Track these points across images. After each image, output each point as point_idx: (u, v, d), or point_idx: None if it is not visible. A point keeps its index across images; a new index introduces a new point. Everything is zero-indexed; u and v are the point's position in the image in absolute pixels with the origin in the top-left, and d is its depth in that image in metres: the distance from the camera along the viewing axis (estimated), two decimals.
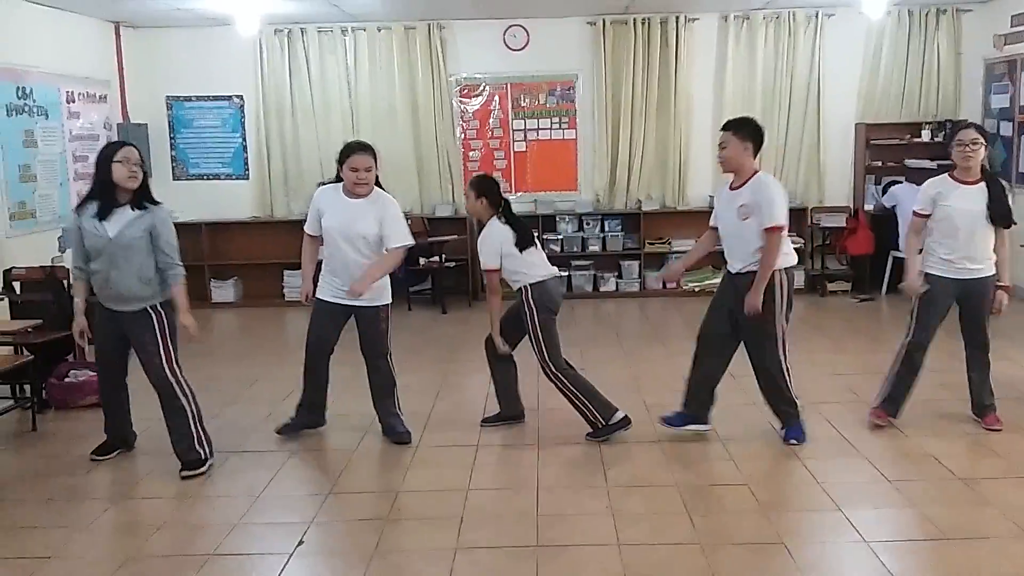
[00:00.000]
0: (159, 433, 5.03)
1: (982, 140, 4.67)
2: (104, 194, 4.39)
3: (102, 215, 4.36)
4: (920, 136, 8.94)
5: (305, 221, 4.91)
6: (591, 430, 4.84)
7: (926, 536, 3.64)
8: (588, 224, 9.36)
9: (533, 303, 4.81)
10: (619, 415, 4.80)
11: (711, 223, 4.83)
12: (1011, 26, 8.35)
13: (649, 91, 9.16)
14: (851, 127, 9.27)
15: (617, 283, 9.35)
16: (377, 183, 4.82)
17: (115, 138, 8.64)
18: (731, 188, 4.62)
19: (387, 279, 4.87)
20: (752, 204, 4.48)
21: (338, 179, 4.79)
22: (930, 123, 8.98)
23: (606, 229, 9.37)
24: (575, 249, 9.32)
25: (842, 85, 9.14)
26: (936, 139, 8.91)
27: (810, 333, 7.36)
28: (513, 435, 4.97)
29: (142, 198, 4.44)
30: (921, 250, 4.87)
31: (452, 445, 4.85)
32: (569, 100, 9.41)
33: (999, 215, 4.67)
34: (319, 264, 4.91)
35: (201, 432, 4.58)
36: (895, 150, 8.97)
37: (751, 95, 9.17)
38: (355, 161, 4.67)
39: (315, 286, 4.89)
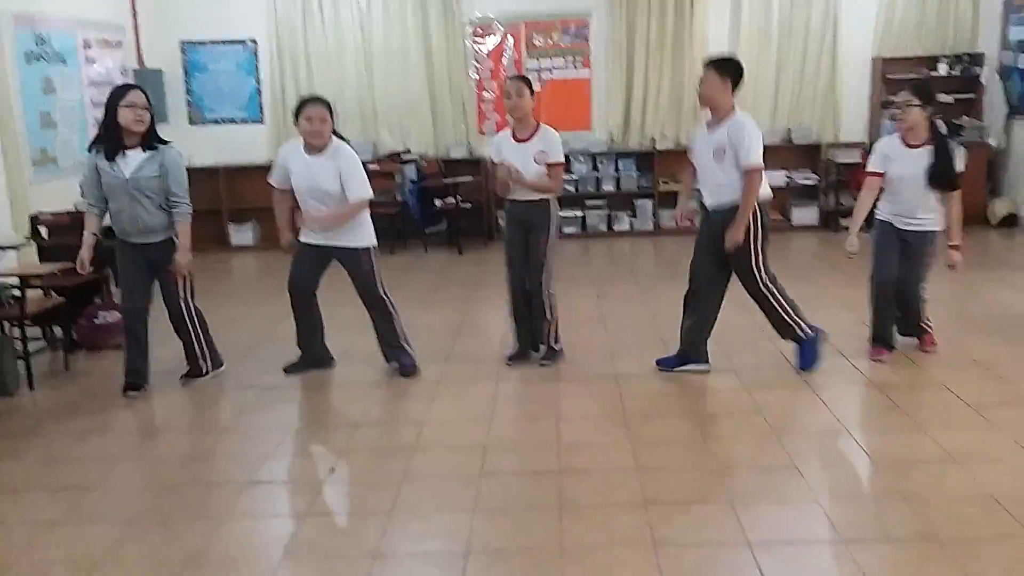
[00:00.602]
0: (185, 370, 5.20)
1: (915, 100, 4.68)
2: (112, 137, 4.65)
3: (110, 156, 4.64)
4: (937, 70, 8.88)
5: None
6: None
7: (934, 458, 3.76)
8: (602, 163, 9.39)
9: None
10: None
11: (689, 156, 4.91)
12: None
13: (664, 29, 9.10)
14: (867, 62, 9.21)
15: (631, 222, 9.40)
16: (337, 135, 4.91)
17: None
18: (707, 127, 4.67)
19: (368, 223, 5.00)
20: (728, 144, 4.55)
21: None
22: (947, 56, 8.91)
23: (620, 168, 9.39)
24: (589, 188, 9.36)
25: (859, 19, 9.06)
26: (953, 72, 8.85)
27: (825, 269, 7.44)
28: (533, 370, 5.11)
29: (151, 139, 4.70)
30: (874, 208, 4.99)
31: (473, 379, 5.00)
32: (583, 39, 9.36)
33: (937, 179, 4.71)
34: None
35: (204, 349, 5.08)
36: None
37: (767, 31, 9.10)
38: (308, 111, 4.76)
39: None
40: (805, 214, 9.27)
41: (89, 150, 4.76)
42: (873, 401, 4.50)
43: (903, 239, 4.91)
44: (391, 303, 5.10)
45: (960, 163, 4.81)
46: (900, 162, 4.78)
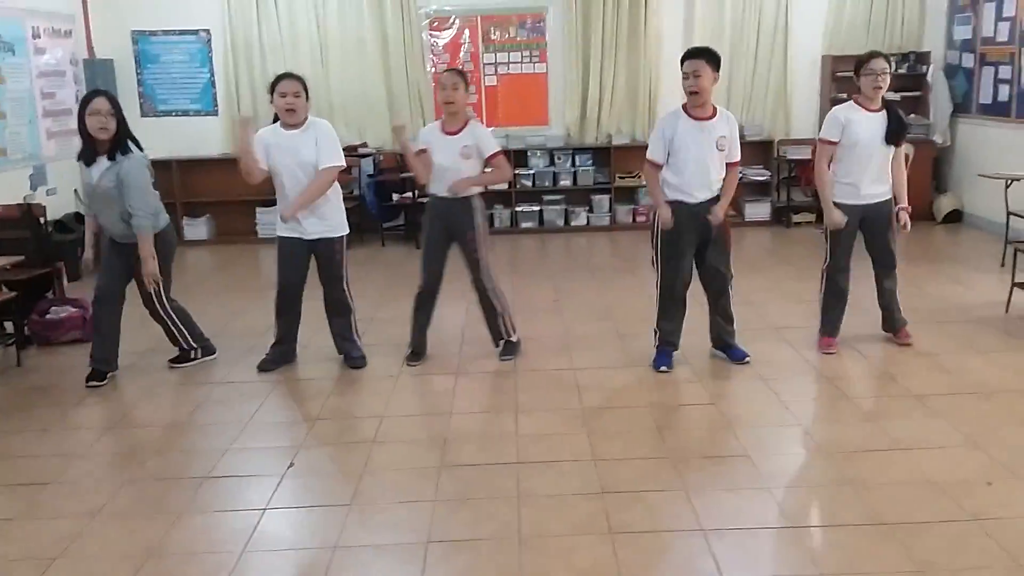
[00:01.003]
0: (144, 367, 5.20)
1: (890, 70, 4.87)
2: (85, 143, 4.75)
3: (87, 162, 4.76)
4: None
5: None
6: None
7: (880, 447, 3.88)
8: (559, 159, 9.46)
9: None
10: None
11: (657, 159, 4.73)
12: None
13: (619, 25, 9.19)
14: (817, 60, 9.39)
15: (588, 217, 9.48)
16: None
17: (81, 74, 8.57)
18: (698, 119, 4.67)
19: (343, 210, 5.01)
20: (729, 137, 4.66)
21: (276, 119, 4.89)
22: (894, 55, 9.08)
23: (577, 163, 9.47)
24: (546, 184, 9.42)
25: (809, 17, 9.23)
26: (900, 71, 9.05)
27: (776, 263, 7.59)
28: (492, 363, 5.15)
29: (114, 148, 4.71)
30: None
31: (433, 373, 5.04)
32: (540, 33, 9.42)
33: (895, 133, 4.87)
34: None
35: (188, 339, 5.21)
36: None
37: (720, 29, 9.23)
38: (283, 86, 4.77)
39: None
40: (758, 209, 9.43)
41: (78, 159, 4.84)
42: (823, 392, 4.62)
43: (863, 215, 4.98)
44: (351, 295, 5.12)
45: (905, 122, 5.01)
46: (862, 125, 4.86)
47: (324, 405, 4.63)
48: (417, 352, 5.20)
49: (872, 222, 5.02)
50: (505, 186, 9.23)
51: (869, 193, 4.95)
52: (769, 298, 6.12)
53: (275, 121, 4.89)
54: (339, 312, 5.12)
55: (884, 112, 4.90)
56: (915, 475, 3.59)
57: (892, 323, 5.26)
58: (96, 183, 4.73)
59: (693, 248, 4.80)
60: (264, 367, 5.14)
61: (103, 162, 4.72)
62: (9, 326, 5.65)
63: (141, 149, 4.83)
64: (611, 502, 3.44)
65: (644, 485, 3.60)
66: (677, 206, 4.69)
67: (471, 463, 3.85)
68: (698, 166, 4.68)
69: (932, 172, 9.12)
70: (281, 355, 5.19)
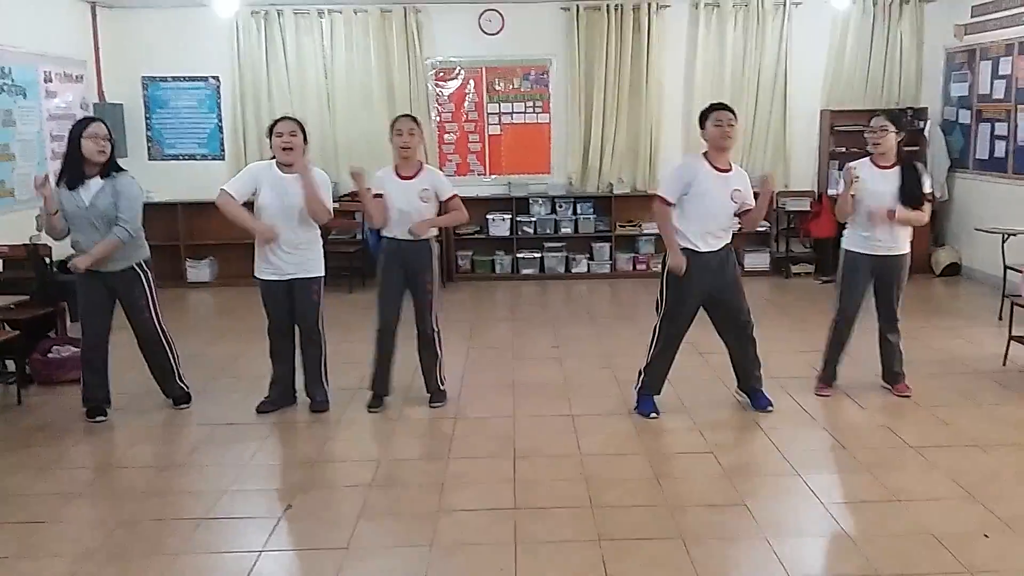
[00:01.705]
0: (143, 408, 5.21)
1: (891, 127, 4.94)
2: (73, 167, 4.79)
3: (72, 185, 4.78)
4: None
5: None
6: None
7: (878, 498, 3.88)
8: (561, 207, 9.55)
9: None
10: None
11: (670, 198, 4.75)
12: (971, 16, 8.63)
13: (621, 76, 9.34)
14: (816, 113, 9.53)
15: (589, 264, 9.55)
16: None
17: None
18: (719, 170, 4.74)
19: (321, 254, 5.08)
20: (744, 191, 4.78)
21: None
22: (891, 110, 9.24)
23: (578, 212, 9.56)
24: (548, 231, 9.50)
25: (808, 72, 9.39)
26: None
27: (774, 313, 7.63)
28: (491, 408, 5.16)
29: (110, 169, 4.84)
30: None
31: (431, 417, 5.04)
32: (543, 84, 9.57)
33: (909, 198, 4.94)
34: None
35: (178, 370, 5.25)
36: (858, 136, 9.04)
37: (720, 82, 9.38)
38: (280, 127, 4.88)
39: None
40: (757, 260, 9.49)
41: (57, 184, 4.83)
42: (820, 442, 4.62)
43: (876, 266, 5.04)
44: (324, 337, 5.17)
45: (927, 184, 5.02)
46: (873, 182, 4.95)
47: (322, 448, 4.63)
48: (380, 395, 5.19)
49: (883, 274, 5.07)
50: (507, 232, 9.35)
51: (883, 245, 5.01)
52: (768, 348, 6.09)
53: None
54: (311, 355, 5.16)
55: (898, 169, 4.97)
56: (912, 527, 3.59)
57: (891, 376, 5.28)
58: (91, 203, 4.77)
59: (700, 298, 4.83)
60: (263, 408, 5.15)
61: (95, 183, 4.79)
62: (11, 364, 5.67)
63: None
64: (608, 550, 3.43)
65: (642, 533, 3.59)
66: (688, 254, 4.73)
67: (468, 508, 3.85)
68: (713, 214, 4.74)
69: (930, 226, 9.17)
70: (279, 395, 5.21)
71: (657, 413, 4.94)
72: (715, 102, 4.95)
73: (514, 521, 3.69)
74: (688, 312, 4.86)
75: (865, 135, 5.06)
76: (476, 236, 9.53)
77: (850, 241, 5.13)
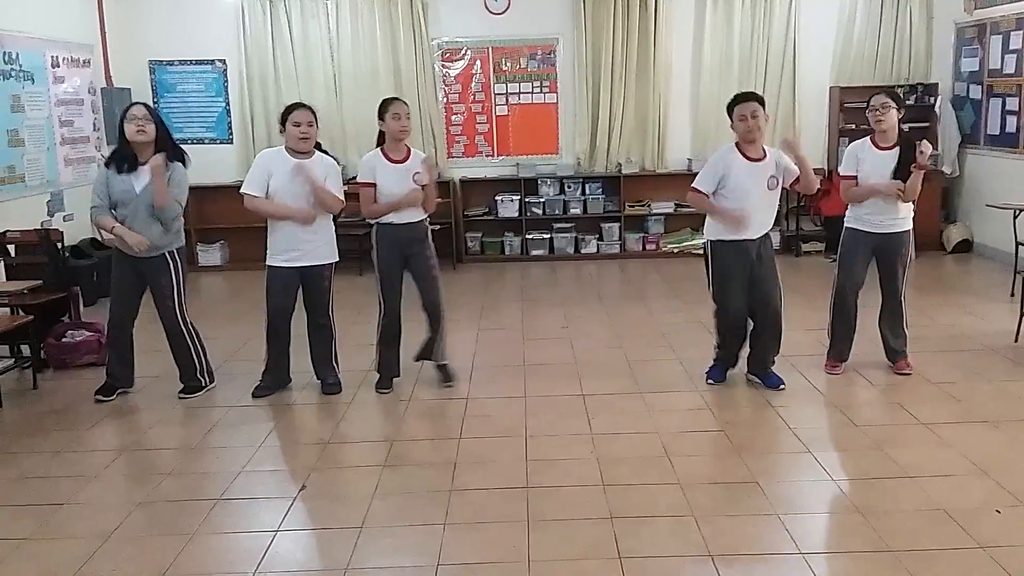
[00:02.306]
0: (158, 391, 5.25)
1: (893, 104, 4.92)
2: (122, 151, 4.88)
3: (122, 169, 4.87)
4: None
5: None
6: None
7: (889, 474, 3.89)
8: (569, 187, 9.53)
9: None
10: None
11: (706, 190, 4.80)
12: None
13: (628, 55, 9.30)
14: (825, 91, 9.47)
15: (598, 245, 9.54)
16: (320, 148, 5.04)
17: (99, 103, 8.72)
18: (752, 159, 4.75)
19: (334, 241, 5.09)
20: (779, 170, 4.79)
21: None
22: (902, 86, 9.18)
23: (587, 192, 9.54)
24: (556, 212, 9.49)
25: (817, 50, 9.32)
26: (908, 102, 9.11)
27: (785, 292, 7.57)
28: (502, 388, 5.19)
29: (172, 155, 4.91)
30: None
31: (443, 398, 5.07)
32: (550, 64, 9.53)
33: (901, 175, 4.92)
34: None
35: (204, 364, 5.26)
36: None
37: (728, 60, 9.34)
38: (297, 116, 4.88)
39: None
40: None
41: (106, 165, 4.94)
42: (831, 420, 4.63)
43: (877, 244, 5.04)
44: (334, 322, 5.20)
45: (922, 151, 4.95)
46: (871, 163, 4.95)
47: (335, 429, 4.67)
48: (389, 377, 5.22)
49: (885, 251, 5.07)
50: (515, 213, 9.35)
51: (885, 223, 5.00)
52: None
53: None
54: (321, 338, 5.19)
55: (897, 150, 4.95)
56: (924, 503, 3.60)
57: (891, 353, 5.29)
58: (143, 190, 4.83)
59: (745, 280, 4.87)
60: (258, 393, 5.18)
61: (147, 170, 4.83)
62: (26, 349, 5.72)
63: (186, 166, 5.02)
64: (620, 527, 3.45)
65: (653, 511, 3.61)
66: (729, 244, 4.79)
67: (481, 487, 3.88)
68: (752, 207, 4.74)
69: (941, 202, 9.15)
70: (273, 381, 5.23)
71: (715, 381, 5.09)
72: (740, 92, 4.94)
73: (526, 500, 3.72)
74: (737, 296, 4.89)
75: (867, 114, 5.02)
76: (485, 218, 9.53)
77: (852, 219, 5.13)
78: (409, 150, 5.03)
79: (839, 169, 5.17)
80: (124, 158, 4.86)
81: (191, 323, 5.16)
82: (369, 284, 7.21)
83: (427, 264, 5.08)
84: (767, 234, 4.89)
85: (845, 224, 5.18)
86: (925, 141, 4.94)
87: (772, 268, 4.91)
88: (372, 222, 5.06)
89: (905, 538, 3.31)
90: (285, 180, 4.89)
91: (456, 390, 5.16)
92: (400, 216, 4.97)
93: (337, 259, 5.12)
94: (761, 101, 4.78)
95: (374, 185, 4.94)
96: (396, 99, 5.09)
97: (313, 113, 4.93)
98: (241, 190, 4.96)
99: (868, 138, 5.07)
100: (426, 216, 5.11)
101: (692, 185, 4.87)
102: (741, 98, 4.80)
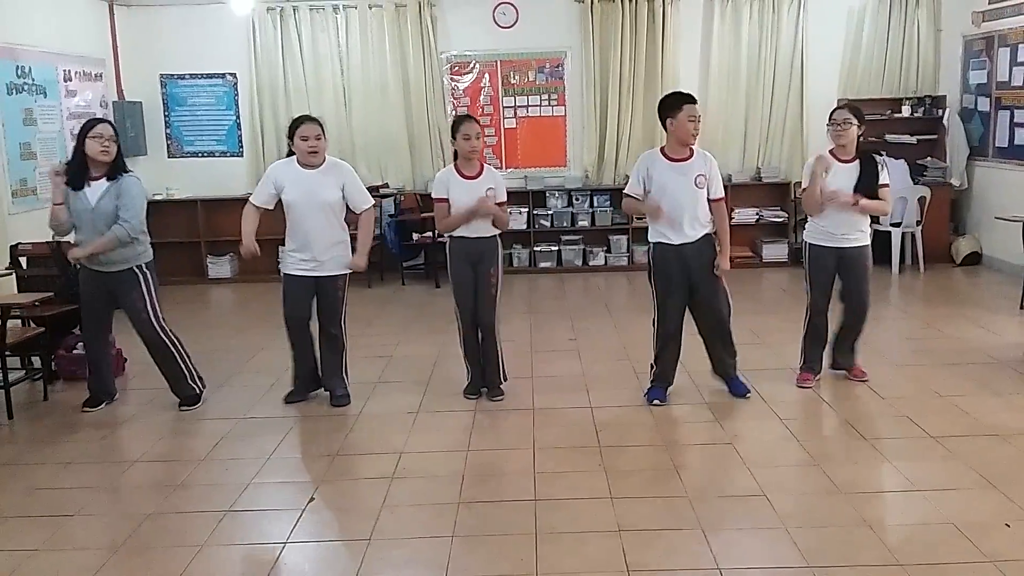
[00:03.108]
0: (166, 403, 5.27)
1: (853, 120, 4.97)
2: (79, 166, 4.87)
3: (76, 185, 4.84)
4: (900, 111, 9.16)
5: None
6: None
7: (898, 488, 3.89)
8: (577, 199, 9.56)
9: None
10: None
11: (633, 193, 4.93)
12: (988, 3, 8.55)
13: (636, 68, 9.34)
14: (833, 103, 9.41)
15: (606, 257, 9.56)
16: None
17: (111, 116, 8.77)
18: (676, 160, 4.81)
19: (349, 252, 5.12)
20: (709, 175, 4.85)
21: (290, 154, 5.04)
22: (910, 99, 9.20)
23: (595, 204, 9.57)
24: (565, 224, 9.52)
25: (824, 62, 9.34)
26: (916, 114, 9.13)
27: (792, 303, 7.57)
28: (509, 400, 5.19)
29: (115, 170, 4.90)
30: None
31: (450, 410, 5.08)
32: (558, 77, 9.57)
33: (865, 191, 4.95)
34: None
35: (192, 370, 5.21)
36: (876, 125, 9.14)
37: (736, 72, 9.37)
38: (304, 130, 4.92)
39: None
40: (775, 250, 9.46)
41: (66, 183, 4.91)
42: (840, 432, 4.62)
43: (840, 257, 5.07)
44: (345, 333, 5.22)
45: (884, 175, 5.03)
46: (834, 177, 4.98)
47: (344, 441, 4.68)
48: (476, 384, 5.26)
49: (848, 266, 5.10)
50: (524, 225, 9.37)
51: (845, 236, 5.04)
52: (785, 338, 6.11)
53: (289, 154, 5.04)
54: (333, 349, 5.20)
55: (857, 163, 5.01)
56: (932, 516, 3.59)
57: (846, 360, 5.32)
58: (96, 205, 4.84)
59: (684, 287, 4.89)
60: (290, 399, 5.23)
61: (101, 184, 4.87)
62: (36, 361, 5.76)
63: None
64: (628, 540, 3.45)
65: (661, 524, 3.61)
66: (663, 247, 4.85)
67: (489, 500, 3.88)
68: (678, 206, 4.78)
69: (950, 214, 9.13)
70: (303, 385, 5.27)
71: (660, 401, 5.01)
72: (681, 92, 4.98)
73: (534, 512, 3.72)
74: (676, 304, 4.93)
75: (827, 126, 5.07)
76: None
77: (812, 234, 5.17)
78: (482, 166, 5.07)
79: (803, 180, 5.18)
80: (81, 175, 4.85)
81: (170, 331, 5.13)
82: (379, 296, 7.20)
83: (487, 281, 5.09)
84: (707, 239, 4.88)
85: (806, 240, 5.21)
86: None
87: (711, 274, 4.88)
88: (446, 236, 5.11)
89: (914, 552, 3.30)
90: (298, 192, 4.94)
91: (464, 402, 5.17)
92: (472, 230, 5.00)
93: (349, 271, 5.15)
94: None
95: (447, 201, 4.98)
96: (468, 118, 5.09)
97: (321, 125, 4.97)
98: (251, 199, 5.10)
99: (827, 152, 5.09)
100: (498, 232, 5.12)
101: (624, 191, 4.99)
102: (691, 98, 4.83)
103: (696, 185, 4.79)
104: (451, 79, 9.57)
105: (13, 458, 4.55)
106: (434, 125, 9.47)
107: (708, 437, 4.58)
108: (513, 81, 9.58)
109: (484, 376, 5.24)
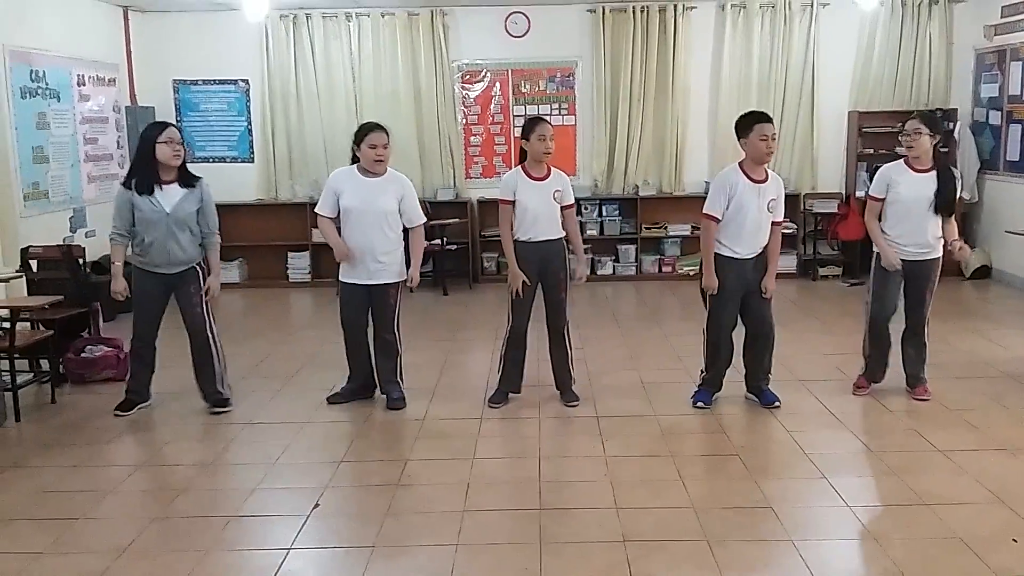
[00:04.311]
0: (175, 407, 5.28)
1: (925, 130, 4.86)
2: (147, 171, 4.88)
3: (146, 190, 4.86)
4: None
5: (313, 204, 5.15)
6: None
7: (905, 501, 3.87)
8: (586, 208, 9.55)
9: None
10: None
11: (718, 215, 4.86)
12: (1001, 16, 8.54)
13: (647, 78, 9.34)
14: (844, 115, 9.47)
15: (614, 267, 9.55)
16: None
17: (123, 121, 8.83)
18: (756, 181, 4.81)
19: (402, 259, 5.16)
20: (778, 199, 4.90)
21: (354, 160, 5.05)
22: (927, 112, 9.15)
23: (604, 214, 9.57)
24: None
25: (836, 74, 9.34)
26: None
27: (801, 316, 7.60)
28: (514, 409, 5.19)
29: (188, 175, 4.98)
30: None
31: (457, 417, 5.08)
32: (569, 87, 9.59)
33: (942, 204, 4.91)
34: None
35: (224, 376, 5.26)
36: (887, 137, 9.13)
37: (747, 83, 9.36)
38: (373, 138, 4.94)
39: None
40: (784, 262, 9.27)
41: (125, 185, 4.94)
42: (847, 445, 4.60)
43: (908, 271, 5.00)
44: (400, 338, 5.25)
45: (959, 187, 5.00)
46: (907, 186, 4.91)
47: (350, 447, 4.68)
48: (504, 392, 5.26)
49: (914, 278, 5.04)
50: None
51: (917, 249, 4.97)
52: (794, 350, 6.11)
53: (354, 161, 5.06)
54: (387, 354, 5.23)
55: (934, 174, 4.92)
56: (939, 531, 3.57)
57: (911, 379, 5.25)
58: (172, 210, 4.89)
59: (739, 298, 4.92)
60: (333, 400, 5.31)
61: (175, 189, 4.92)
62: (45, 364, 5.78)
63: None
64: (633, 551, 3.44)
65: (666, 534, 3.60)
66: (726, 260, 4.86)
67: (494, 508, 3.88)
68: (750, 229, 4.82)
69: (960, 228, 9.06)
70: (351, 392, 5.32)
71: (705, 404, 5.07)
72: (757, 111, 5.00)
73: (539, 521, 3.71)
74: (731, 314, 4.96)
75: (900, 137, 5.02)
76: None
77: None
78: (550, 168, 5.08)
79: (871, 190, 5.13)
80: (151, 179, 4.88)
81: (216, 331, 5.18)
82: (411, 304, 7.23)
83: (557, 285, 5.11)
84: (763, 254, 4.92)
85: (875, 250, 5.11)
86: (965, 248, 5.04)
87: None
88: (516, 239, 5.09)
89: (920, 566, 3.28)
90: (356, 199, 4.97)
91: (469, 410, 5.17)
92: (539, 232, 5.02)
93: (404, 278, 5.17)
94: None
95: (513, 202, 5.01)
96: (542, 120, 5.11)
97: (387, 134, 5.01)
98: (315, 209, 5.15)
99: (902, 160, 5.03)
100: (563, 235, 5.14)
101: (704, 211, 4.91)
102: (764, 117, 4.82)
103: (768, 209, 4.82)
104: (462, 87, 9.60)
105: (20, 460, 4.57)
106: (444, 133, 9.50)
107: (715, 448, 4.57)
108: (524, 90, 9.60)
109: (556, 381, 5.29)
